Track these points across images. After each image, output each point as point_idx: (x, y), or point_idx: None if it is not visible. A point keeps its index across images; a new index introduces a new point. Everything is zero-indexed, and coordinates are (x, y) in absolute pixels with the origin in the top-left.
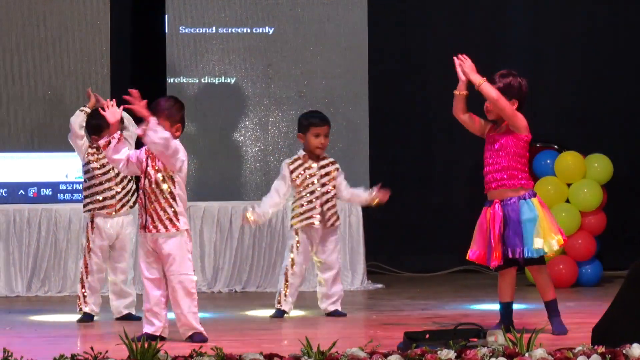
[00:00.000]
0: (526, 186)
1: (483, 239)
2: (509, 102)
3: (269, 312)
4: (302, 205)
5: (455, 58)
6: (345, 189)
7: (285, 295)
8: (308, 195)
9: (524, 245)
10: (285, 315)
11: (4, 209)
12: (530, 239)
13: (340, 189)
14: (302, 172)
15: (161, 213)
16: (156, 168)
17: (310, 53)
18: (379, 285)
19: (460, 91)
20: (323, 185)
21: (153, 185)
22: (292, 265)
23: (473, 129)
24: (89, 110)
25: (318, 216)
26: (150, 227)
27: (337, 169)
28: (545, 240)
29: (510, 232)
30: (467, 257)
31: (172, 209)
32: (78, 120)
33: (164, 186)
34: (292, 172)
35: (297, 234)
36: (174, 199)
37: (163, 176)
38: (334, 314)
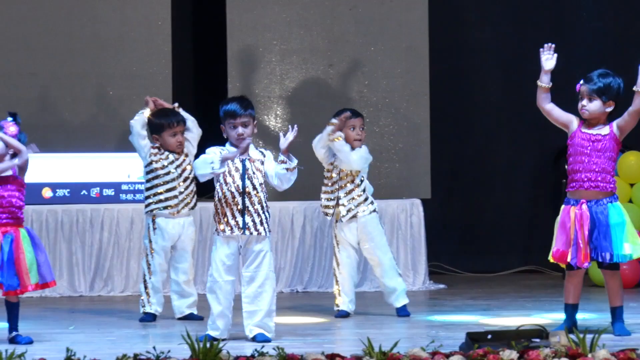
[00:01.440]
0: (615, 190)
1: (566, 238)
2: (606, 103)
3: (330, 312)
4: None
5: (541, 49)
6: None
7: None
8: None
9: (613, 250)
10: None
11: (67, 209)
12: (620, 244)
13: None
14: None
15: (262, 216)
16: (253, 171)
17: (370, 53)
18: (441, 286)
19: (543, 82)
20: None
21: (258, 189)
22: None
23: (555, 120)
24: (149, 115)
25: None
26: (251, 229)
27: None
28: (633, 245)
29: (599, 235)
30: (550, 258)
31: (268, 213)
32: (139, 122)
33: (263, 191)
34: (331, 163)
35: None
36: (266, 202)
37: (263, 181)
38: (401, 310)
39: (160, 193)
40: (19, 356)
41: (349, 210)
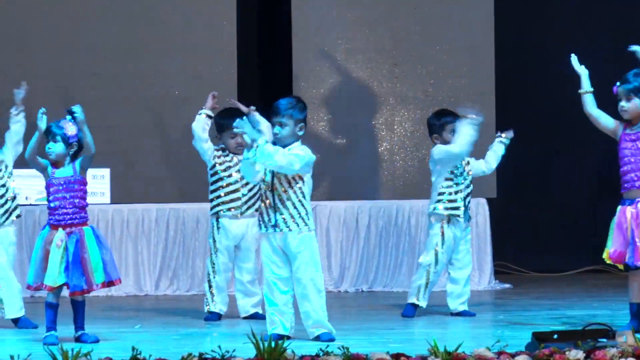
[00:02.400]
0: None
1: (623, 238)
2: None
3: (396, 312)
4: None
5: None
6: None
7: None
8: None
9: None
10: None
11: (132, 209)
12: None
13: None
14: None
15: (293, 212)
16: None
17: (435, 52)
18: (507, 285)
19: (585, 89)
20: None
21: (285, 185)
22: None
23: (602, 126)
24: (209, 113)
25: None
26: (282, 226)
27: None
28: None
29: None
30: (605, 258)
31: (304, 208)
32: (200, 124)
33: (296, 186)
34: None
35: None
36: (304, 197)
37: (294, 176)
38: (463, 314)
39: (224, 195)
40: (85, 355)
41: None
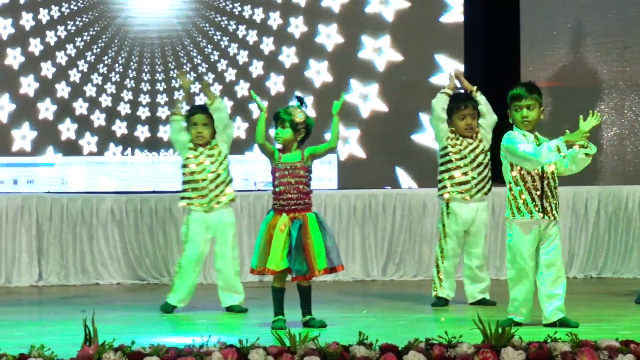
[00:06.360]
0: None
1: None
2: None
3: (625, 299)
4: None
5: None
6: None
7: None
8: None
9: None
10: None
11: (359, 194)
12: None
13: None
14: None
15: (558, 201)
16: None
17: None
18: None
19: None
20: None
21: (548, 173)
22: None
23: None
24: (449, 92)
25: None
26: (550, 213)
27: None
28: None
29: None
30: None
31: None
32: (440, 102)
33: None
34: None
35: None
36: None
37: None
38: None
39: (454, 177)
40: (313, 339)
41: None
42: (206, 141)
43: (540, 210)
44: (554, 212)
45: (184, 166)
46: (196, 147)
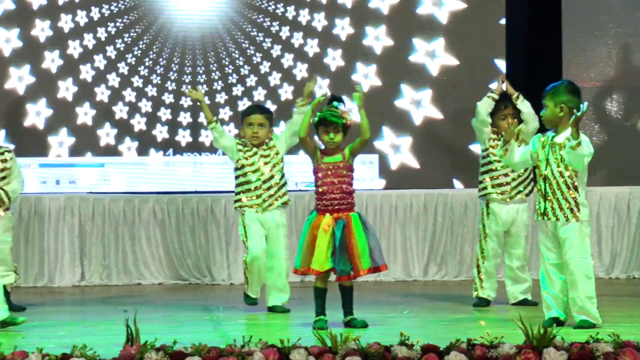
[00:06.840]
0: None
1: None
2: None
3: None
4: None
5: None
6: None
7: None
8: None
9: None
10: None
11: (401, 195)
12: None
13: None
14: None
15: (563, 202)
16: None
17: None
18: None
19: None
20: None
21: (556, 173)
22: None
23: None
24: (496, 96)
25: None
26: (550, 215)
27: None
28: None
29: None
30: None
31: (574, 198)
32: (485, 106)
33: (566, 174)
34: None
35: None
36: (575, 188)
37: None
38: None
39: (496, 178)
40: (354, 339)
41: None
42: (261, 142)
43: (542, 212)
44: (557, 214)
45: (236, 169)
46: (250, 148)
